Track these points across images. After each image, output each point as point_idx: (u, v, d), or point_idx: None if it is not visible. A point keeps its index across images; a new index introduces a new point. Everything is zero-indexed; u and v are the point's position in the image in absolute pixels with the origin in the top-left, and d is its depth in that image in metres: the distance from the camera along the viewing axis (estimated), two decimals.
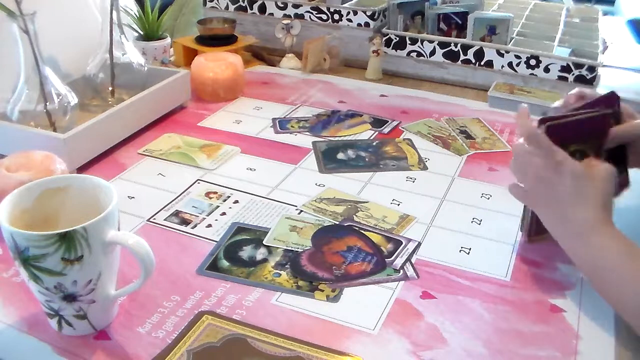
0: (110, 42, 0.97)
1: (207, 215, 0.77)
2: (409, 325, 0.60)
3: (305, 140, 0.96)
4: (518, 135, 0.68)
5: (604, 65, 1.13)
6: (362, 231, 0.74)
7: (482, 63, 1.18)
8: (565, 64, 1.11)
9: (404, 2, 1.23)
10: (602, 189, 0.62)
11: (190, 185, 0.83)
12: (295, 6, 1.32)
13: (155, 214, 0.77)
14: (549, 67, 1.12)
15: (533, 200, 0.67)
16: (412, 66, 1.24)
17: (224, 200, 0.80)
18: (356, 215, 0.77)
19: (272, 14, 1.35)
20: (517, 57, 1.14)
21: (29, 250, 0.51)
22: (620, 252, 0.59)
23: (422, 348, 0.58)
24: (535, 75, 1.14)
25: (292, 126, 1.01)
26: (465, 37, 1.19)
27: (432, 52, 1.21)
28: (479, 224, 0.76)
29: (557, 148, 0.64)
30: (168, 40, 1.17)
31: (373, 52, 1.20)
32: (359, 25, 1.28)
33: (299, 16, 1.32)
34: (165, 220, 0.76)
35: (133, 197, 0.80)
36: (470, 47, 1.18)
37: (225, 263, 0.68)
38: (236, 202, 0.80)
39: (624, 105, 0.71)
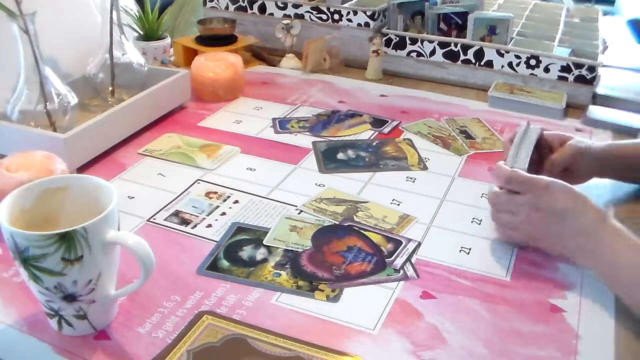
0: (110, 42, 0.97)
1: (207, 215, 0.77)
2: (409, 325, 0.60)
3: (305, 140, 0.96)
4: (496, 183, 0.71)
5: (604, 65, 1.13)
6: (362, 231, 0.74)
7: (482, 63, 1.18)
8: (565, 64, 1.11)
9: (404, 2, 1.23)
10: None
11: (190, 185, 0.83)
12: (295, 6, 1.32)
13: (155, 214, 0.77)
14: (549, 67, 1.12)
15: (531, 234, 0.69)
16: (412, 66, 1.24)
17: (224, 200, 0.80)
18: (356, 215, 0.77)
19: (272, 14, 1.35)
20: (517, 57, 1.14)
21: (29, 250, 0.51)
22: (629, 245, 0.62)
23: (422, 348, 0.58)
24: (535, 75, 1.14)
25: (292, 126, 1.01)
26: (465, 37, 1.19)
27: (432, 52, 1.21)
28: (479, 224, 0.76)
29: (537, 176, 0.68)
30: (168, 40, 1.17)
31: (373, 52, 1.20)
32: (359, 25, 1.27)
33: (299, 16, 1.32)
34: (165, 220, 0.76)
35: (133, 197, 0.80)
36: (470, 47, 1.18)
37: (225, 263, 0.68)
38: (236, 202, 0.80)
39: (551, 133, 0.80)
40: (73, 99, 0.87)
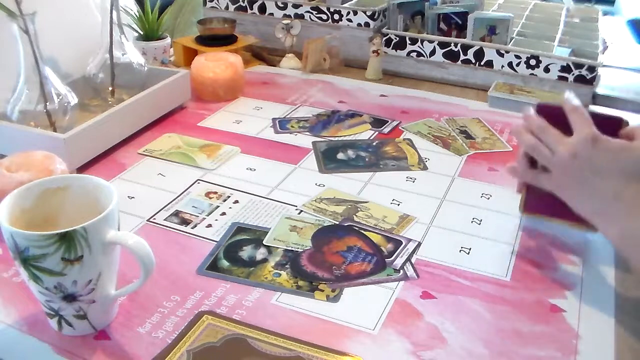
0: (110, 42, 0.97)
1: (207, 215, 0.77)
2: (409, 325, 0.60)
3: (305, 140, 0.96)
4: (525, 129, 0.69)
5: (604, 65, 1.13)
6: (362, 231, 0.74)
7: (482, 63, 1.18)
8: (565, 64, 1.11)
9: (404, 2, 1.23)
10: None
11: (190, 185, 0.83)
12: (295, 6, 1.32)
13: (155, 214, 0.77)
14: (549, 67, 1.12)
15: (561, 179, 0.64)
16: (412, 66, 1.24)
17: (224, 200, 0.80)
18: (356, 215, 0.77)
19: (272, 14, 1.35)
20: (517, 57, 1.14)
21: (29, 250, 0.51)
22: None
23: (422, 348, 0.58)
24: (535, 75, 1.14)
25: (292, 126, 1.01)
26: (465, 37, 1.19)
27: (432, 52, 1.21)
28: (479, 224, 0.76)
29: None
30: (168, 40, 1.17)
31: (373, 52, 1.20)
32: (359, 25, 1.28)
33: (299, 16, 1.32)
34: (165, 220, 0.76)
35: (133, 197, 0.80)
36: (470, 47, 1.18)
37: (225, 263, 0.68)
38: (236, 202, 0.80)
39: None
40: (73, 99, 0.87)
